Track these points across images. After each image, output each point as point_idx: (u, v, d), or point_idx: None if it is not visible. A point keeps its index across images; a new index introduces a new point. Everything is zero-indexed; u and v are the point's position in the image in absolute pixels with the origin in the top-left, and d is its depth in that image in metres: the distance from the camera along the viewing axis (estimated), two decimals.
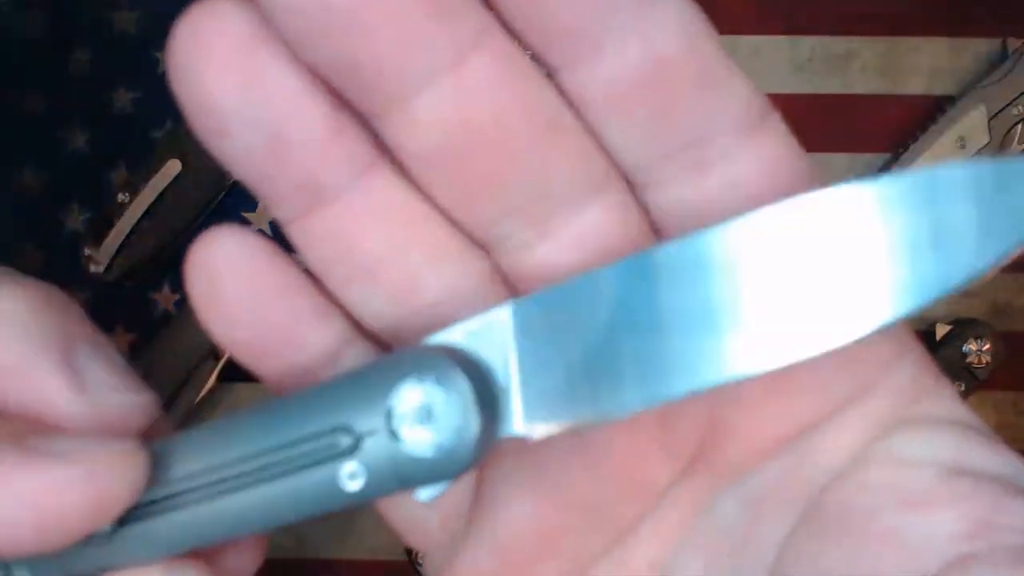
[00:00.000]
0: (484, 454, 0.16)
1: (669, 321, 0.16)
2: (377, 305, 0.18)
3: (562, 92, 0.16)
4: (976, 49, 0.46)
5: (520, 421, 0.16)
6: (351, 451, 0.16)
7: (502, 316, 0.17)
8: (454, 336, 0.17)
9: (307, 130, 0.16)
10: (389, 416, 0.16)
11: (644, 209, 0.18)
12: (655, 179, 0.17)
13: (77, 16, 0.48)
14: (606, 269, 0.16)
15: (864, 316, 0.14)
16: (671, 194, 0.17)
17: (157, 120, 0.48)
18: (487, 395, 0.16)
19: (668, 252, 0.16)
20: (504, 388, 0.17)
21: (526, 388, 0.17)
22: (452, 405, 0.16)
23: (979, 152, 0.43)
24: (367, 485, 0.16)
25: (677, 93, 0.16)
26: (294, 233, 0.17)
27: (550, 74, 0.16)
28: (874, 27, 0.46)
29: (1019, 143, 0.43)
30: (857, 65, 0.46)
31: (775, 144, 0.17)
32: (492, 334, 0.17)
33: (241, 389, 0.47)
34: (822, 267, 0.15)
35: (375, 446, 0.16)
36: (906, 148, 0.44)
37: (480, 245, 0.18)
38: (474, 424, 0.16)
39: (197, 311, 0.18)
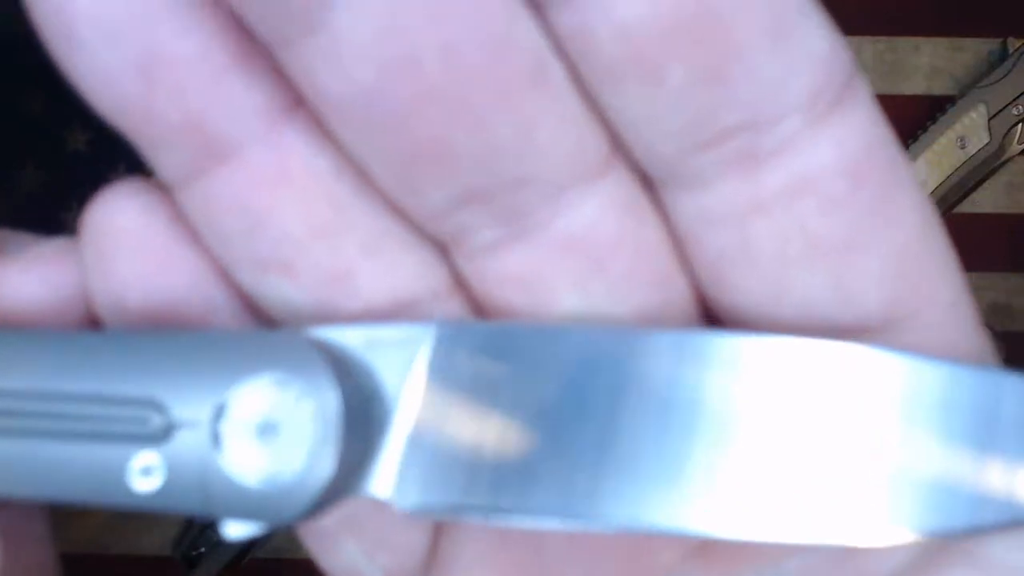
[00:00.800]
0: (327, 508, 0.12)
1: (635, 430, 0.12)
2: (295, 302, 0.13)
3: (554, 37, 0.11)
4: (976, 49, 0.46)
5: (389, 484, 0.12)
6: (156, 439, 0.12)
7: (420, 338, 0.13)
8: (351, 338, 0.13)
9: (190, 50, 0.12)
10: (219, 414, 0.12)
11: (664, 215, 0.13)
12: (685, 174, 0.12)
13: None
14: (579, 331, 0.12)
15: (873, 522, 0.11)
16: (707, 197, 0.12)
17: None
18: (359, 433, 0.12)
19: (670, 341, 0.12)
20: (384, 431, 0.12)
21: (414, 444, 0.12)
22: (306, 432, 0.12)
23: (979, 152, 0.43)
24: (162, 491, 0.12)
25: (734, 45, 0.11)
26: (186, 201, 0.13)
27: (538, 10, 0.11)
28: (874, 27, 0.46)
29: (1019, 143, 0.43)
30: (857, 65, 0.46)
31: (860, 127, 0.12)
32: (399, 357, 0.13)
33: None
34: (852, 443, 0.12)
35: (188, 444, 0.12)
36: (906, 148, 0.44)
37: (435, 240, 0.13)
38: (326, 467, 0.12)
39: (88, 284, 0.14)
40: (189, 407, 0.12)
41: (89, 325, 0.14)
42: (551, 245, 0.13)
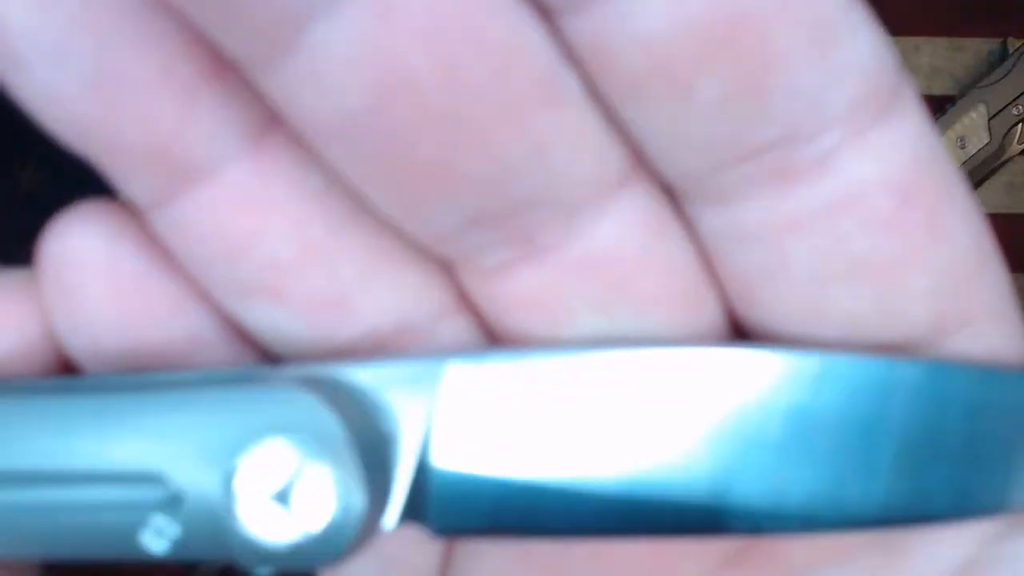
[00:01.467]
0: (359, 551, 0.12)
1: (666, 448, 0.12)
2: (286, 330, 0.12)
3: (567, 46, 0.10)
4: (976, 49, 0.46)
5: (419, 515, 0.12)
6: (164, 508, 0.11)
7: (435, 371, 0.12)
8: (360, 375, 0.12)
9: (151, 69, 0.11)
10: (227, 481, 0.11)
11: (690, 229, 0.12)
12: (713, 190, 0.11)
13: None
14: (601, 354, 0.12)
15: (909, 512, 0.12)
16: (738, 213, 0.11)
17: None
18: (379, 476, 0.12)
19: (697, 358, 0.12)
20: (408, 466, 0.12)
21: (440, 476, 0.12)
22: (326, 494, 0.11)
23: (979, 152, 0.43)
24: (180, 548, 0.11)
25: (773, 56, 0.10)
26: (159, 225, 0.12)
27: (548, 17, 0.10)
28: None
29: (1019, 143, 0.43)
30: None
31: (908, 140, 0.11)
32: (414, 391, 0.12)
33: None
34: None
35: (199, 509, 0.11)
36: None
37: (439, 260, 0.12)
38: (352, 519, 0.11)
39: (53, 324, 0.13)
40: (195, 478, 0.11)
41: (62, 369, 0.13)
42: (567, 266, 0.12)
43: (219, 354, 0.13)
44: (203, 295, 0.13)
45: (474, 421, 0.12)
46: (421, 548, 0.15)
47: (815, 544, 0.14)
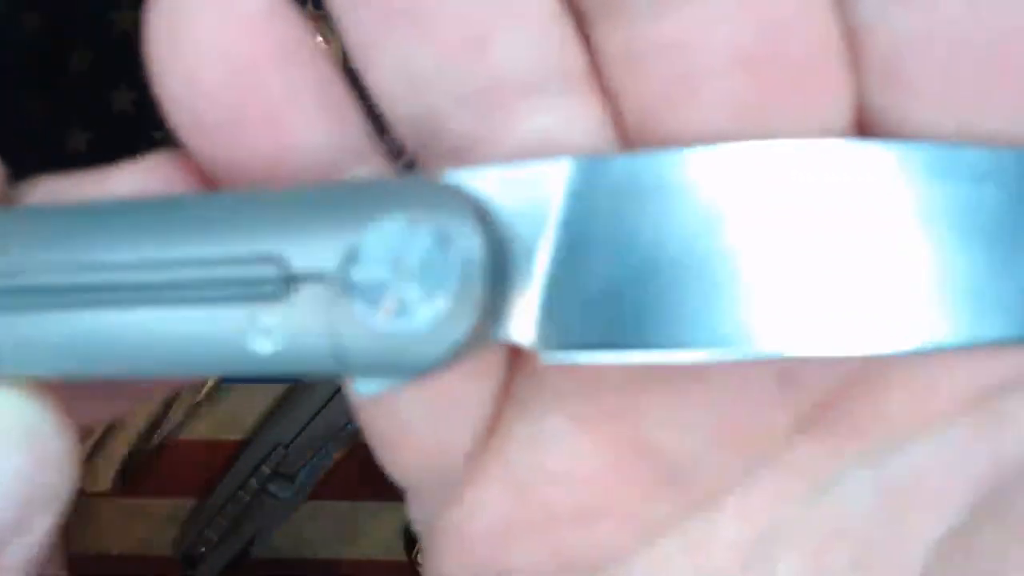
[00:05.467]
0: (464, 358, 0.11)
1: (783, 251, 0.11)
2: (422, 68, 0.12)
3: None
4: None
5: (529, 330, 0.12)
6: (275, 295, 0.11)
7: (554, 176, 0.12)
8: (481, 181, 0.12)
9: None
10: (352, 258, 0.11)
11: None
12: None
13: (76, 16, 0.48)
14: (723, 152, 0.11)
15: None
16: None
17: (157, 120, 0.48)
18: (498, 278, 0.11)
19: (821, 152, 0.11)
20: (521, 275, 0.12)
21: (553, 288, 0.12)
22: (448, 275, 0.11)
23: None
24: (284, 351, 0.11)
25: None
26: None
27: None
28: None
29: None
30: None
31: None
32: (533, 197, 0.12)
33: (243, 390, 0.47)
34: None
35: (314, 296, 0.11)
36: None
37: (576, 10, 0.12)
38: (469, 314, 0.11)
39: (154, 71, 0.12)
40: (313, 257, 0.11)
41: None
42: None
43: (318, 128, 0.13)
44: (323, 71, 0.13)
45: (593, 224, 0.11)
46: (475, 390, 0.15)
47: (894, 412, 0.13)
